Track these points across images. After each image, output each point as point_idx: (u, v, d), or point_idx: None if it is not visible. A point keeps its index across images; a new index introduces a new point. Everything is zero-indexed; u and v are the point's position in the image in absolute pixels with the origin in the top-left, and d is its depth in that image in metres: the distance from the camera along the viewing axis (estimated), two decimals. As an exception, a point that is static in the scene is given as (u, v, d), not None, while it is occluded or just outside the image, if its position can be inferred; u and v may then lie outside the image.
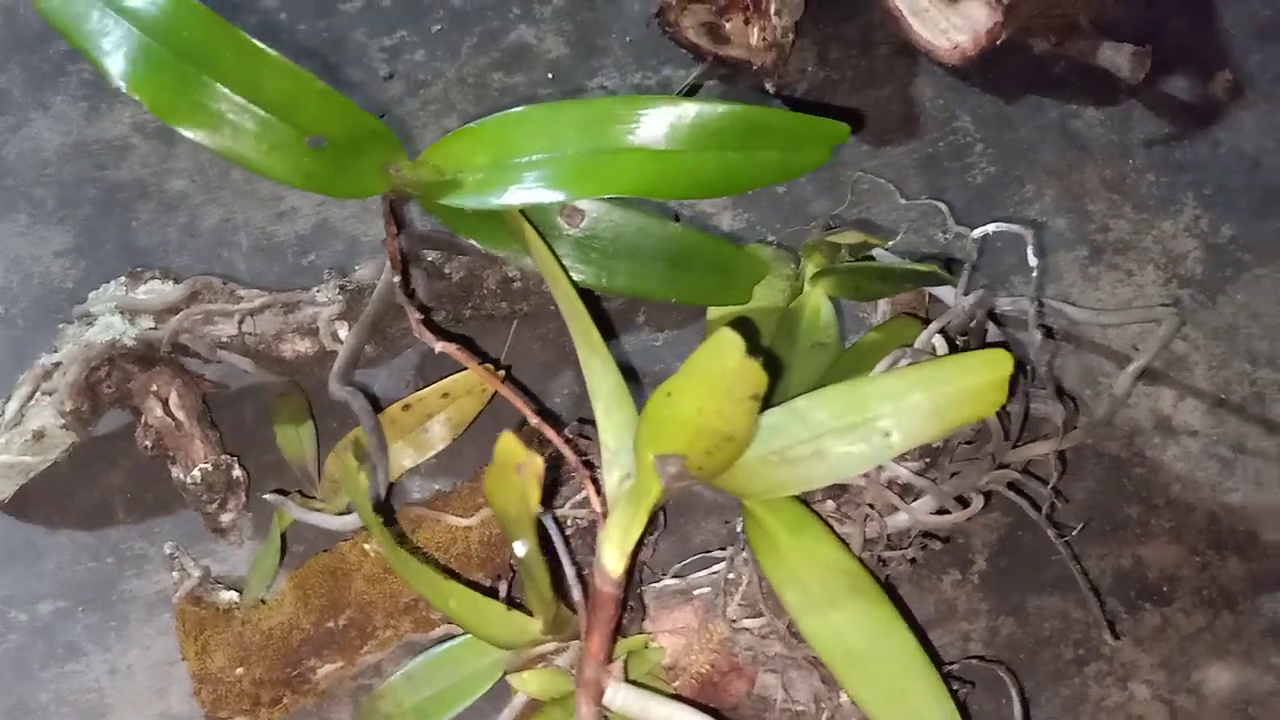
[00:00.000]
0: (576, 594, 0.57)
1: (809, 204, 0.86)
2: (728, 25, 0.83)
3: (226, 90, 0.55)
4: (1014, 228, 0.64)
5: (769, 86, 0.88)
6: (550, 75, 0.92)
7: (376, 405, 0.71)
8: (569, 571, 0.58)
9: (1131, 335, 0.80)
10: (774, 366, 0.67)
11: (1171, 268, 0.84)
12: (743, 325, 0.46)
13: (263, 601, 0.67)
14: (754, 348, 0.46)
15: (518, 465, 0.45)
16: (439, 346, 0.56)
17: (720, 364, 0.46)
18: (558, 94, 0.92)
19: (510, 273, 0.75)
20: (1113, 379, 0.78)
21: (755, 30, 0.82)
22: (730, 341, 0.45)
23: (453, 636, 0.62)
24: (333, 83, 0.89)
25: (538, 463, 0.45)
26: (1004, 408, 0.65)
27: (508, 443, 0.45)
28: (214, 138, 0.56)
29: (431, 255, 0.75)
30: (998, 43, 0.86)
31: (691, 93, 0.89)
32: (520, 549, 0.49)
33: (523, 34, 0.94)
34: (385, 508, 0.66)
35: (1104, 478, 0.76)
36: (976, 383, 0.52)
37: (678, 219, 0.84)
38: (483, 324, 0.79)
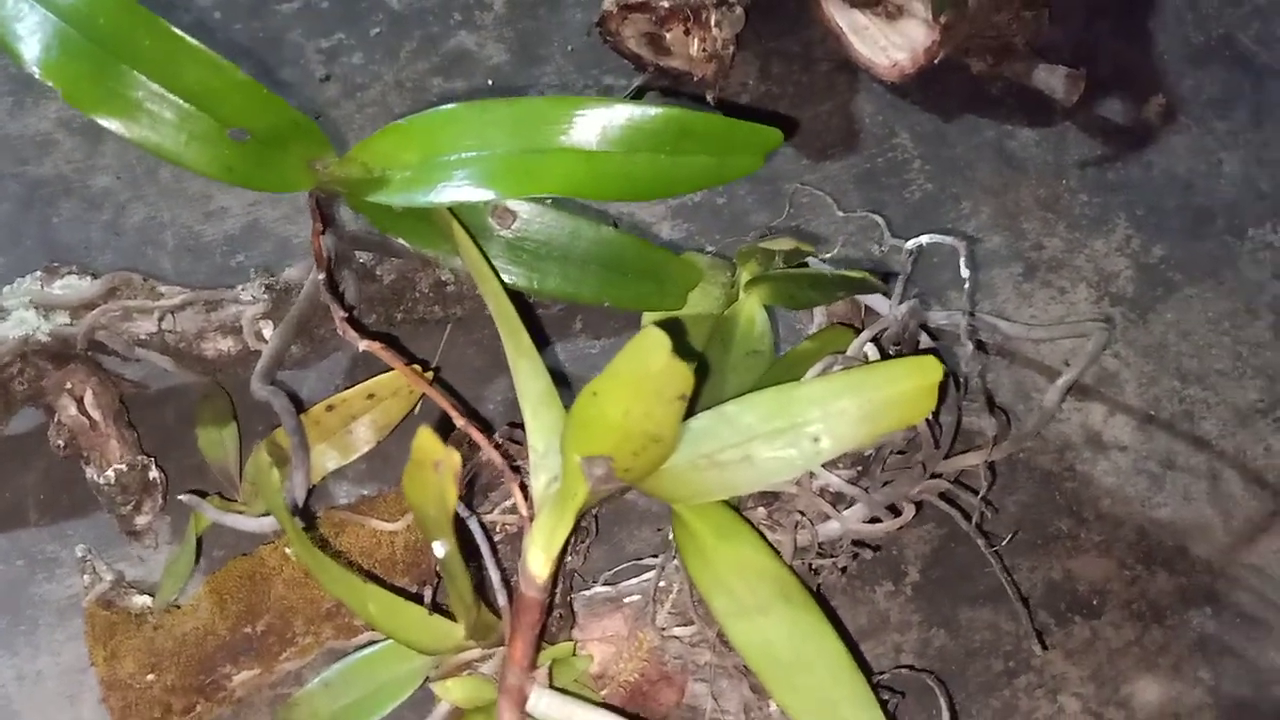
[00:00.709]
0: (502, 599, 0.56)
1: (749, 215, 0.86)
2: (668, 36, 0.83)
3: (145, 79, 0.54)
4: (947, 239, 0.64)
5: (709, 98, 0.88)
6: (490, 82, 0.92)
7: (302, 407, 0.69)
8: (494, 576, 0.57)
9: (1064, 351, 0.81)
10: (705, 371, 0.67)
11: (1103, 286, 0.85)
12: (670, 326, 0.46)
13: (177, 606, 0.64)
14: (682, 349, 0.46)
15: (435, 462, 0.44)
16: (363, 345, 0.54)
17: (646, 364, 0.45)
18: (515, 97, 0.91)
19: (443, 276, 0.74)
20: (1044, 393, 0.79)
21: (695, 41, 0.82)
22: (656, 341, 0.44)
23: (375, 643, 0.61)
24: (268, 84, 0.87)
25: (455, 459, 0.44)
26: (936, 418, 0.65)
27: (425, 439, 0.44)
28: (131, 127, 0.54)
29: (363, 257, 0.74)
30: (935, 62, 0.87)
31: (636, 100, 0.88)
32: (439, 549, 0.48)
33: (463, 40, 0.93)
34: (308, 511, 0.64)
35: (1035, 491, 0.76)
36: (906, 389, 0.52)
37: (615, 225, 0.84)
38: (415, 328, 0.78)
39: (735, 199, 0.87)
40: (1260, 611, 0.74)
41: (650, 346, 0.44)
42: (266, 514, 0.64)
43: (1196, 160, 0.91)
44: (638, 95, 0.89)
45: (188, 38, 0.54)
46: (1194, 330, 0.83)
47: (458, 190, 0.57)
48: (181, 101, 0.55)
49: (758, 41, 0.94)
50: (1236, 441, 0.79)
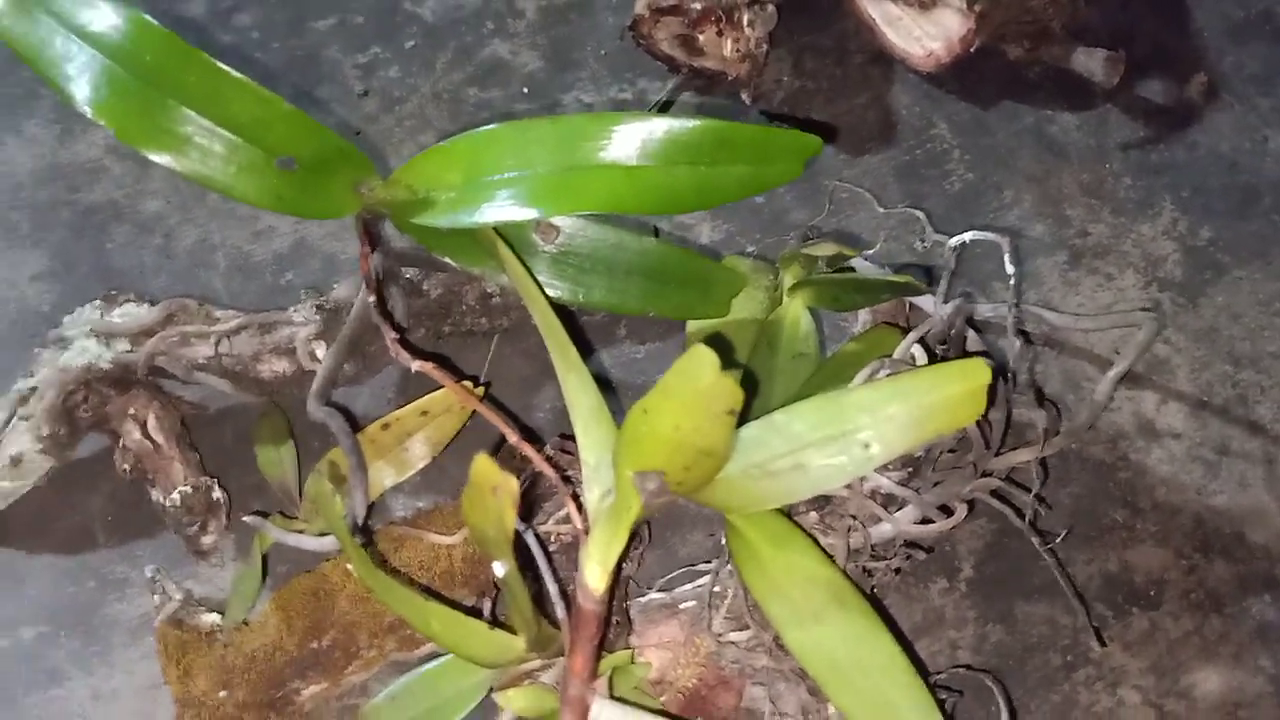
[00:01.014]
0: (560, 611, 0.57)
1: (788, 214, 0.86)
2: (701, 37, 0.83)
3: (193, 113, 0.55)
4: (991, 235, 0.64)
5: (745, 97, 0.88)
6: (525, 90, 0.92)
7: (357, 424, 0.70)
8: (552, 589, 0.57)
9: (1113, 339, 0.80)
10: (752, 376, 0.67)
11: (1151, 271, 0.84)
12: (717, 341, 0.46)
13: (245, 624, 0.66)
14: (728, 363, 0.46)
15: (493, 487, 0.45)
16: (415, 365, 0.55)
17: (695, 381, 0.45)
18: (534, 108, 0.92)
19: (489, 288, 0.75)
20: (1095, 383, 0.78)
21: (728, 42, 0.82)
22: (704, 358, 0.45)
23: (438, 655, 0.62)
24: (307, 101, 0.89)
25: (512, 484, 0.44)
26: (985, 415, 0.65)
27: (483, 465, 0.45)
28: (182, 161, 0.55)
29: (409, 272, 0.75)
30: (971, 49, 0.87)
31: (667, 105, 0.89)
32: (499, 570, 0.49)
33: (497, 49, 0.94)
34: (366, 528, 0.66)
35: (1089, 482, 0.76)
36: (954, 393, 0.52)
37: (656, 233, 0.84)
38: (463, 340, 0.79)
39: (774, 198, 0.87)
40: (1321, 597, 0.73)
41: (698, 364, 0.45)
42: (327, 533, 0.65)
43: (1241, 138, 0.90)
44: (672, 98, 0.89)
45: (232, 71, 0.55)
46: (1245, 313, 0.82)
47: (501, 210, 0.58)
48: (229, 134, 0.56)
49: (790, 38, 0.94)
50: (1292, 425, 0.78)
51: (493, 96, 0.92)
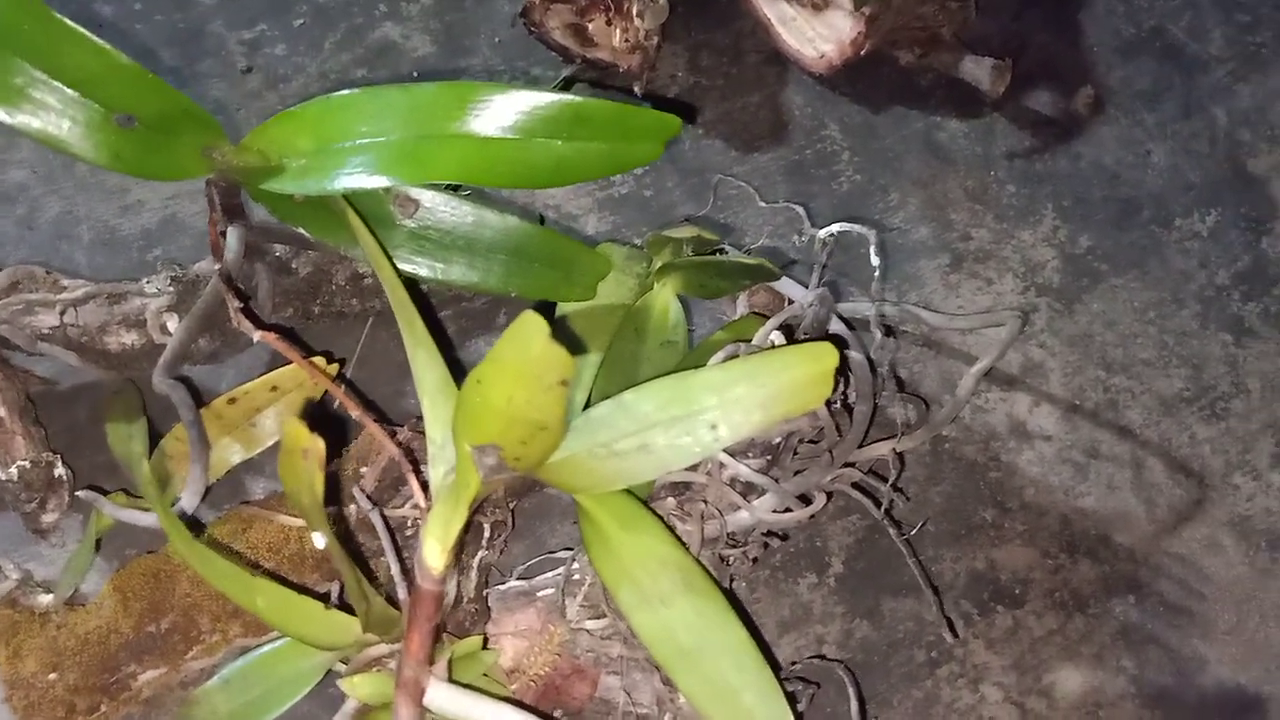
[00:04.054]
0: (401, 592, 0.55)
1: (676, 208, 0.86)
2: (590, 26, 0.83)
3: (27, 65, 0.53)
4: (856, 227, 0.64)
5: (636, 90, 0.87)
6: (415, 74, 0.91)
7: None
8: (394, 568, 0.56)
9: (989, 342, 0.80)
10: (626, 364, 0.66)
11: (1030, 276, 0.85)
12: (563, 325, 0.45)
13: (81, 605, 0.63)
14: (570, 339, 0.45)
15: (303, 450, 0.43)
16: (257, 335, 0.53)
17: (525, 350, 0.44)
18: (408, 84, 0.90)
19: (360, 269, 0.73)
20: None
21: (617, 32, 0.82)
22: (533, 325, 0.44)
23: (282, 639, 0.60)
24: (189, 75, 0.86)
25: (320, 447, 0.43)
26: (847, 407, 0.65)
27: (292, 428, 0.43)
28: (14, 114, 0.53)
29: (278, 250, 0.73)
30: (862, 53, 0.87)
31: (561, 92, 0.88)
32: (319, 540, 0.47)
33: (388, 31, 0.93)
34: (206, 509, 0.63)
35: (959, 481, 0.76)
36: (801, 375, 0.52)
37: (543, 221, 0.83)
38: (335, 322, 0.77)
39: (663, 192, 0.87)
40: (1183, 600, 0.74)
41: (528, 331, 0.44)
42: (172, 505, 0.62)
43: (1124, 151, 0.91)
44: (565, 87, 0.89)
45: (68, 22, 0.53)
46: (1119, 320, 0.83)
47: (352, 177, 0.56)
48: (64, 87, 0.54)
49: (687, 34, 0.93)
50: (1161, 430, 0.79)
51: (381, 78, 0.91)
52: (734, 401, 0.52)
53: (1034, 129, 0.92)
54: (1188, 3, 1.00)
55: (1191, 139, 0.92)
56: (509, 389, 0.46)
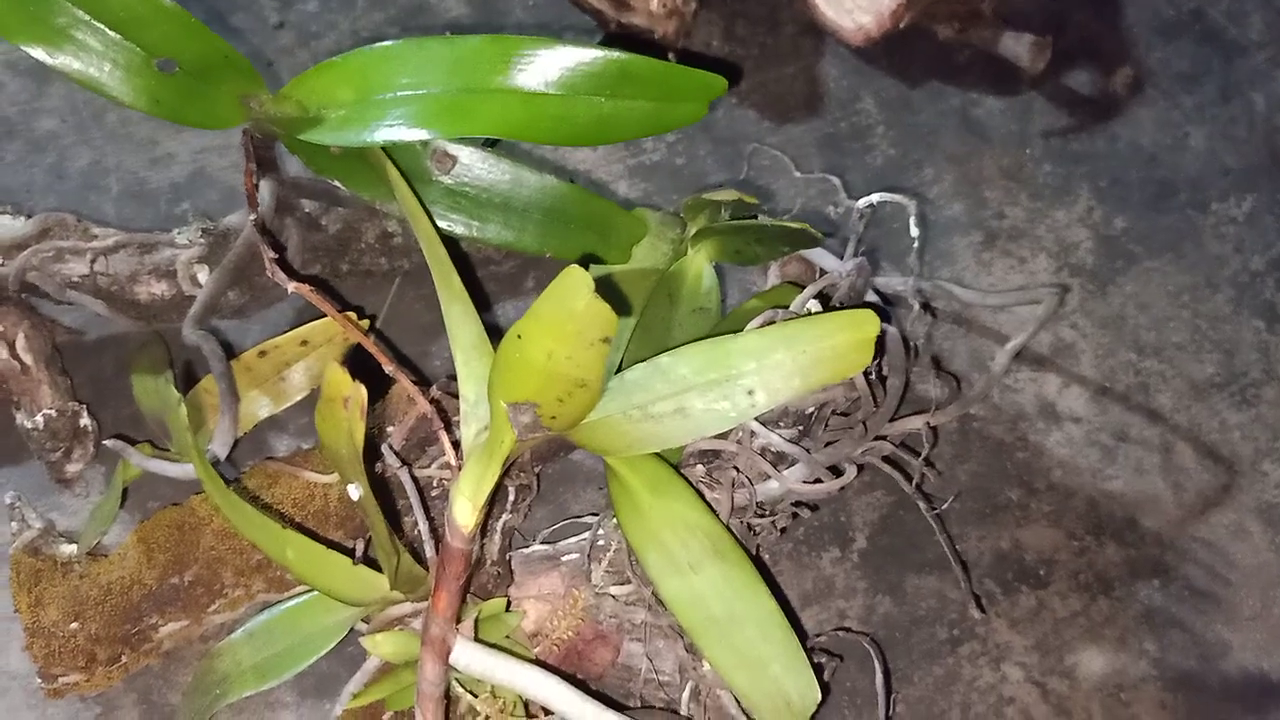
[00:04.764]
0: (430, 550, 0.55)
1: (708, 176, 0.85)
2: (628, -11, 0.82)
3: (69, 4, 0.52)
4: (897, 197, 0.63)
5: (670, 57, 0.86)
6: (448, 34, 0.89)
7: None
8: (423, 528, 0.55)
9: (1021, 321, 0.79)
10: (651, 327, 0.66)
11: (1063, 256, 0.84)
12: (601, 283, 0.44)
13: (105, 555, 0.63)
14: (617, 300, 0.44)
15: (344, 398, 0.43)
16: (291, 287, 0.53)
17: (568, 305, 0.44)
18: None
19: (390, 228, 0.72)
20: (997, 360, 0.78)
21: (656, -5, 0.80)
22: (578, 280, 0.43)
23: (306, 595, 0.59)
24: (219, 28, 0.85)
25: (362, 394, 0.42)
26: (882, 380, 0.64)
27: (334, 374, 0.42)
28: (55, 54, 0.52)
29: (308, 206, 0.72)
30: (901, 25, 0.86)
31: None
32: (354, 492, 0.47)
33: (423, -9, 0.92)
34: (235, 459, 0.63)
35: (987, 460, 0.76)
36: (841, 342, 0.51)
37: (572, 181, 0.82)
38: (362, 280, 0.76)
39: (694, 160, 0.86)
40: (1208, 585, 0.73)
41: (572, 286, 0.43)
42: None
43: (1162, 134, 0.90)
44: (599, 53, 0.88)
45: (112, -38, 0.53)
46: (1152, 303, 0.83)
47: (392, 130, 0.55)
48: (106, 29, 0.53)
49: (723, 3, 0.92)
50: (1191, 415, 0.78)
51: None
52: (773, 367, 0.51)
53: (1071, 108, 0.91)
54: (1229, -15, 0.98)
55: (1229, 123, 0.91)
56: (549, 344, 0.45)
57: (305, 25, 0.89)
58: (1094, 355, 0.80)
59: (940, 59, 0.92)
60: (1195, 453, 0.77)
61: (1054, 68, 0.90)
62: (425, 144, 0.59)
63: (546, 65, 0.55)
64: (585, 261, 0.46)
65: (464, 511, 0.51)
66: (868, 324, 0.51)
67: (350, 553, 0.57)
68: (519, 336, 0.46)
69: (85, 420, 0.67)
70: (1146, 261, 0.84)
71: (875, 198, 0.63)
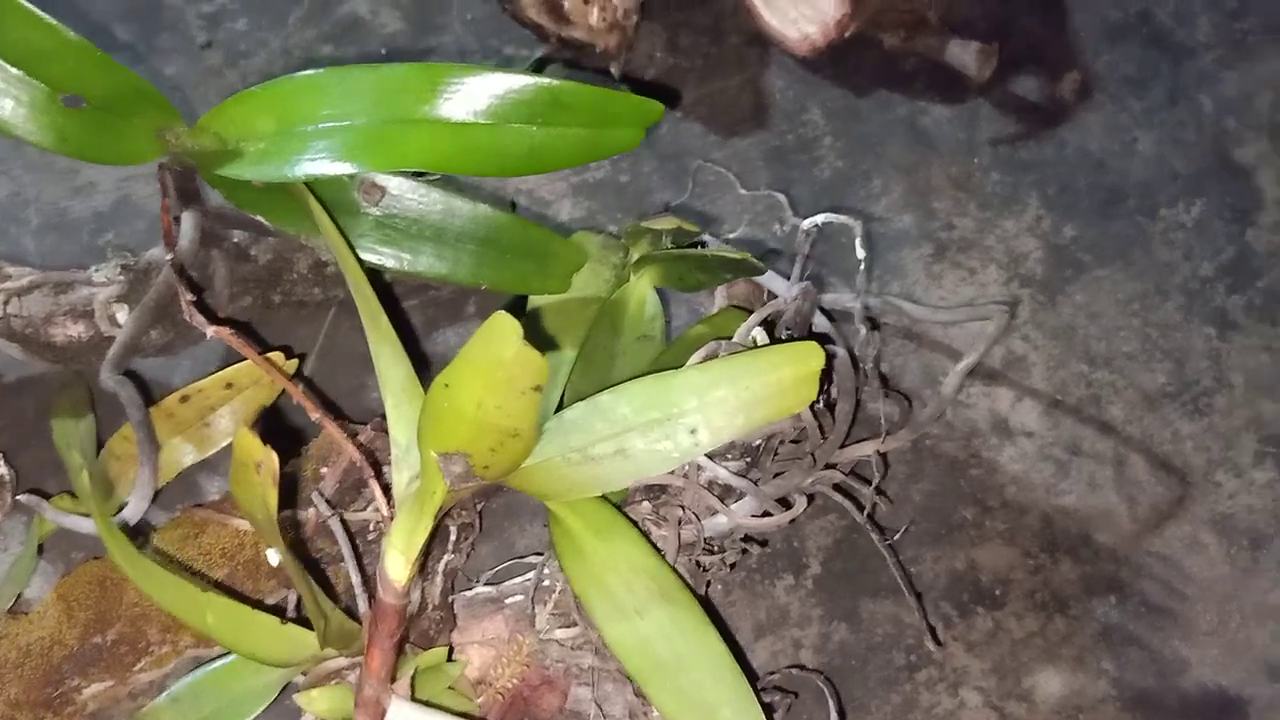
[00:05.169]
0: (362, 605, 0.53)
1: (653, 194, 0.83)
2: (566, 4, 0.80)
3: (-37, 40, 0.49)
4: (842, 218, 0.62)
5: (613, 70, 0.84)
6: (384, 51, 0.87)
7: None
8: (355, 579, 0.53)
9: (972, 335, 0.78)
10: (601, 359, 0.64)
11: (1013, 267, 0.83)
12: (534, 319, 0.43)
13: (24, 614, 0.60)
14: (540, 337, 0.42)
15: (256, 463, 0.40)
16: (211, 331, 0.50)
17: (497, 353, 0.42)
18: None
19: (322, 256, 0.70)
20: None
21: (595, 10, 0.78)
22: (506, 328, 0.41)
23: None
24: (145, 50, 0.82)
25: (273, 461, 0.40)
26: (829, 406, 0.63)
27: (244, 439, 0.40)
28: (-51, 92, 0.49)
29: (237, 236, 0.69)
30: (846, 35, 0.85)
31: (536, 74, 0.85)
32: (273, 558, 0.44)
33: (356, 6, 0.89)
34: (153, 514, 0.60)
35: (940, 479, 0.74)
36: (785, 376, 0.49)
37: (514, 207, 0.80)
38: (295, 311, 0.74)
39: (639, 177, 0.84)
40: (1164, 600, 0.72)
41: (500, 333, 0.41)
42: (116, 513, 0.59)
43: (1110, 139, 0.89)
44: (539, 67, 0.85)
45: (10, -5, 0.50)
46: (1103, 312, 0.82)
47: (315, 164, 0.53)
48: (7, 65, 0.50)
49: (666, 13, 0.90)
50: (1143, 426, 0.78)
51: (348, 55, 0.87)
52: (715, 404, 0.49)
53: (1019, 115, 0.90)
54: (1174, -13, 0.98)
55: (1178, 127, 0.91)
56: (479, 394, 0.43)
57: (234, 44, 0.86)
58: (1045, 367, 0.79)
59: (886, 67, 0.90)
60: (1148, 465, 0.76)
61: (1001, 74, 0.89)
62: (353, 175, 0.57)
63: (475, 93, 0.53)
64: (519, 303, 0.43)
65: (396, 565, 0.49)
66: (812, 358, 0.49)
67: (280, 610, 0.55)
68: (446, 385, 0.44)
69: (2, 469, 0.64)
70: (1096, 270, 0.83)
71: (820, 219, 0.62)
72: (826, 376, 0.61)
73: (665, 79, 0.89)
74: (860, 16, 0.85)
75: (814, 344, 0.49)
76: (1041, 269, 0.83)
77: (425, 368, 0.73)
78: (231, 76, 0.85)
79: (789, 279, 0.68)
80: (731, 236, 0.78)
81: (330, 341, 0.74)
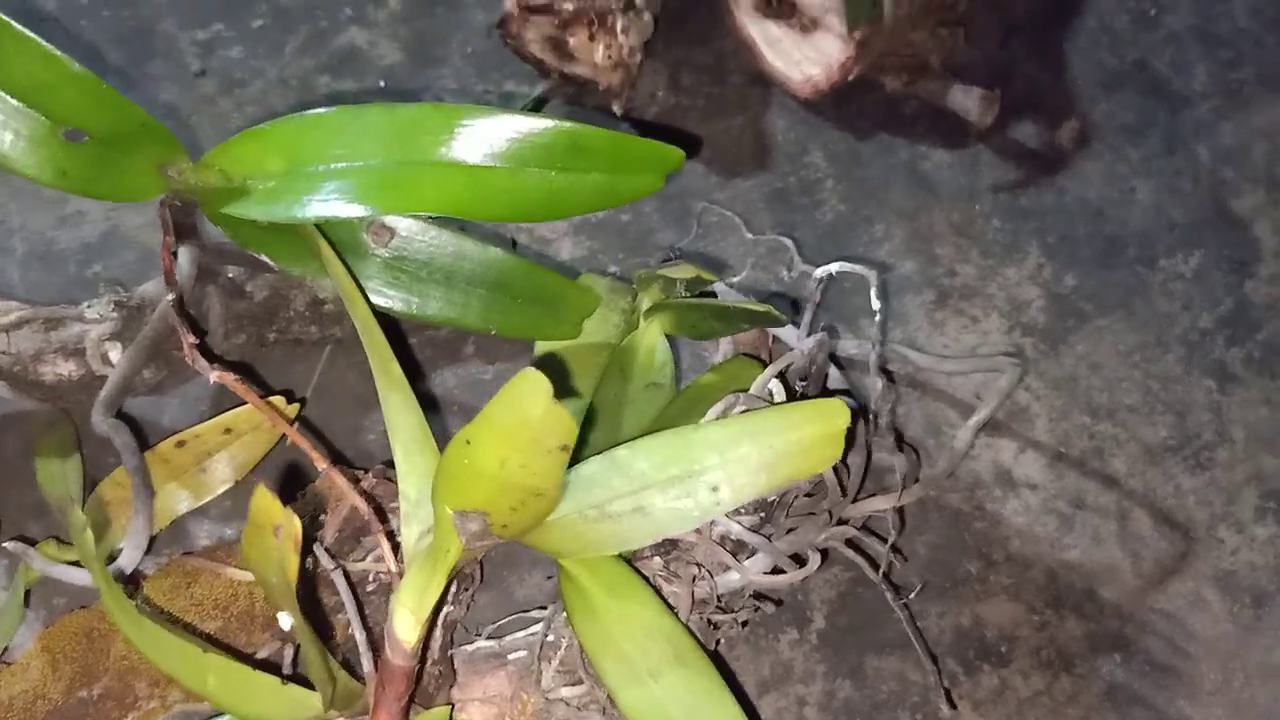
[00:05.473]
0: (367, 664, 0.51)
1: (654, 234, 0.82)
2: (572, 41, 0.78)
3: (-38, 70, 0.47)
4: (858, 268, 0.61)
5: (615, 109, 0.83)
6: (383, 83, 0.86)
7: (162, 439, 0.62)
8: (360, 639, 0.51)
9: (975, 384, 0.78)
10: (602, 405, 0.62)
11: (1015, 315, 0.82)
12: (554, 365, 0.41)
13: (6, 665, 0.57)
14: (565, 388, 0.41)
15: (275, 526, 0.38)
16: (213, 376, 0.48)
17: (524, 411, 0.40)
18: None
19: (320, 294, 0.68)
20: (955, 428, 0.76)
21: (600, 47, 0.77)
22: (535, 385, 0.39)
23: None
24: (137, 77, 0.80)
25: (296, 525, 0.38)
26: (844, 460, 0.61)
27: (263, 500, 0.38)
28: (-54, 124, 0.47)
29: (232, 271, 0.67)
30: (850, 78, 0.84)
31: (535, 110, 0.83)
32: (285, 622, 0.42)
33: (354, 36, 0.87)
34: (150, 558, 0.58)
35: (944, 531, 0.73)
36: (810, 435, 0.48)
37: (515, 245, 0.79)
38: (291, 349, 0.71)
39: (641, 217, 0.83)
40: (1169, 659, 0.71)
41: (528, 391, 0.39)
42: (108, 561, 0.57)
43: (1109, 187, 0.89)
44: (539, 104, 0.84)
45: (13, 24, 0.48)
46: (1105, 363, 0.81)
47: (326, 205, 0.51)
48: (8, 97, 0.48)
49: (668, 51, 0.90)
50: (1145, 480, 0.77)
51: (346, 88, 0.85)
52: (737, 462, 0.48)
53: (1019, 161, 0.90)
54: (1170, 36, 0.98)
55: (1175, 176, 0.91)
56: (503, 452, 0.42)
57: (229, 72, 0.84)
58: (1048, 419, 0.78)
59: (888, 111, 0.90)
60: (1151, 519, 0.76)
61: (1000, 120, 0.89)
62: (362, 217, 0.55)
63: (493, 136, 0.51)
64: (542, 361, 0.42)
65: (406, 626, 0.47)
66: (838, 416, 0.48)
67: (276, 666, 0.52)
68: (468, 442, 0.42)
69: (-18, 512, 0.61)
70: (1097, 320, 0.83)
71: (834, 268, 0.61)
72: (848, 441, 0.60)
73: (667, 118, 0.88)
74: (864, 60, 0.84)
75: (839, 401, 0.48)
76: (1044, 318, 0.82)
77: (426, 408, 0.71)
78: (226, 104, 0.83)
79: (796, 325, 0.67)
80: (735, 280, 0.77)
81: (325, 380, 0.72)
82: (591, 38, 0.78)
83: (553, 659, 0.57)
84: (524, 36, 0.82)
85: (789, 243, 0.72)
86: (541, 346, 0.64)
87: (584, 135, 0.52)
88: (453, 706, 0.57)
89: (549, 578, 0.67)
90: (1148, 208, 0.89)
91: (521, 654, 0.59)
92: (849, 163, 0.88)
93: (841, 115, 0.89)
